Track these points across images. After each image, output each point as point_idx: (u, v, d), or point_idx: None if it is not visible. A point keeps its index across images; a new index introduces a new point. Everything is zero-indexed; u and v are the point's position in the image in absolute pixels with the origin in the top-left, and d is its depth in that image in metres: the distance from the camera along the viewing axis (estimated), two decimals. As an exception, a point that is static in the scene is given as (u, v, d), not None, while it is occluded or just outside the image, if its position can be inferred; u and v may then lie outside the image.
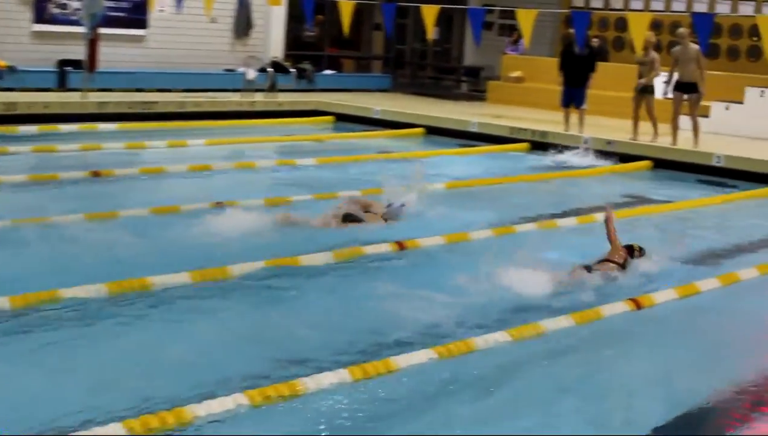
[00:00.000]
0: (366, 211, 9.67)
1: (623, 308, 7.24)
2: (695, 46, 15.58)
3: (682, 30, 15.74)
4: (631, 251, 8.26)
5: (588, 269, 7.98)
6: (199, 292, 7.16)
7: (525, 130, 17.14)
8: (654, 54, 16.36)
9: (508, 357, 6.22)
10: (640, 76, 16.36)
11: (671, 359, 6.62)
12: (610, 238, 8.34)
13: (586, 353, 6.61)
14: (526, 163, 15.44)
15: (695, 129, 15.86)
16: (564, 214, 11.06)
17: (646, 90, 16.35)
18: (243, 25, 21.60)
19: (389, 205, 9.79)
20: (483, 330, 6.51)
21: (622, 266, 8.09)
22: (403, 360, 5.80)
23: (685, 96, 15.88)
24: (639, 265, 8.29)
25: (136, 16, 19.92)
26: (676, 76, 16.06)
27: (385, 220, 9.66)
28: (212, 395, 5.17)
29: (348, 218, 9.42)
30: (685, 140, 15.85)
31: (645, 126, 16.50)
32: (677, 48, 15.86)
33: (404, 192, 10.06)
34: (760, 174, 14.61)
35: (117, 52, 19.37)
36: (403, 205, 9.80)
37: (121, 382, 5.50)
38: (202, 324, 6.60)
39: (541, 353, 6.41)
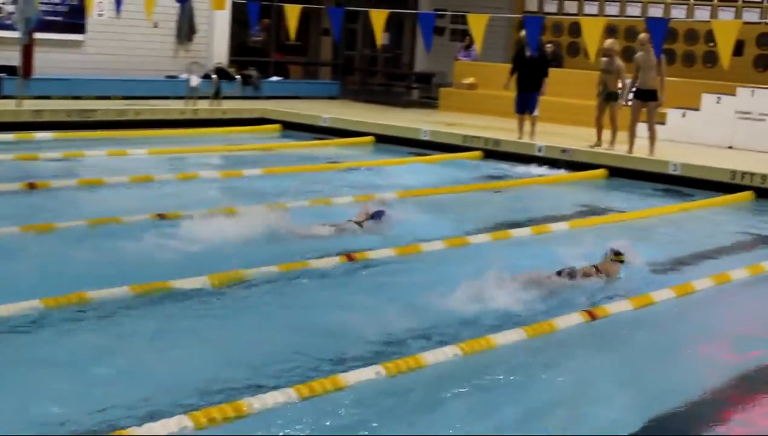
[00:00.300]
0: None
1: (578, 320, 7.31)
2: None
3: (644, 36, 15.91)
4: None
5: (572, 275, 8.30)
6: (139, 306, 7.13)
7: (478, 138, 17.26)
8: (620, 62, 16.56)
9: (459, 371, 6.26)
10: (604, 84, 16.54)
11: (625, 370, 6.71)
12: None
13: (539, 365, 6.68)
14: (479, 172, 15.54)
15: (652, 137, 16.06)
16: (517, 224, 11.14)
17: (611, 97, 16.53)
18: (186, 30, 21.54)
19: (373, 215, 10.02)
20: (435, 345, 6.56)
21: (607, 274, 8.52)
22: (352, 377, 5.81)
23: (645, 104, 16.01)
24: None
25: (73, 20, 19.78)
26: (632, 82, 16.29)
27: (360, 224, 9.92)
28: (149, 419, 5.16)
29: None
30: (641, 148, 16.05)
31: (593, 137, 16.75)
32: (640, 54, 15.99)
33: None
34: (717, 182, 14.82)
35: (53, 57, 19.22)
36: (382, 213, 10.05)
37: (45, 398, 5.47)
38: (143, 340, 6.58)
39: (494, 366, 6.46)
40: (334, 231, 9.79)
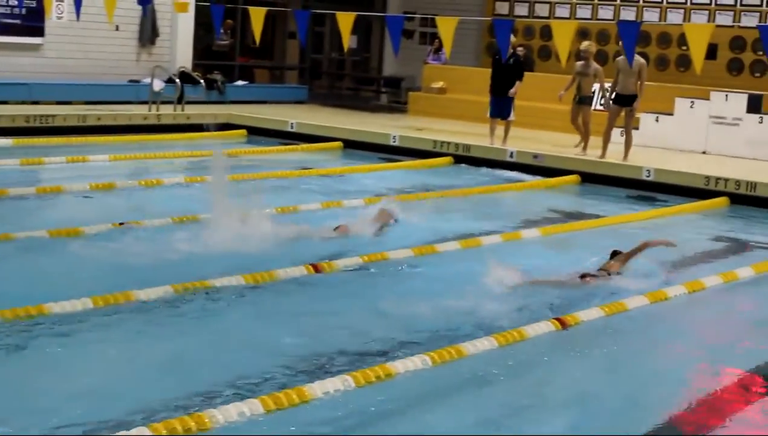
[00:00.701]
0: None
1: (548, 328, 7.36)
2: (640, 59, 15.89)
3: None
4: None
5: (585, 276, 8.88)
6: (102, 317, 7.11)
7: (448, 143, 17.33)
8: (596, 65, 16.68)
9: (428, 381, 6.30)
10: (579, 88, 16.64)
11: (595, 379, 6.77)
12: (631, 254, 9.33)
13: (509, 374, 6.73)
14: (449, 178, 15.60)
15: (628, 142, 16.15)
16: (489, 232, 11.19)
17: (584, 101, 16.65)
18: (148, 33, 21.48)
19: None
20: (404, 354, 6.60)
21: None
22: (318, 387, 5.83)
23: (623, 108, 16.03)
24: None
25: (31, 23, 19.67)
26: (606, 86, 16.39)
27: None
28: (118, 427, 5.16)
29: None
30: (616, 154, 16.16)
31: (576, 138, 16.87)
32: (621, 58, 15.98)
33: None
34: (691, 188, 14.94)
35: (11, 61, 19.13)
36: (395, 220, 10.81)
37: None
38: (103, 352, 6.57)
39: (464, 375, 6.51)
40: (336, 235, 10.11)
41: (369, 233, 10.37)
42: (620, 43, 15.59)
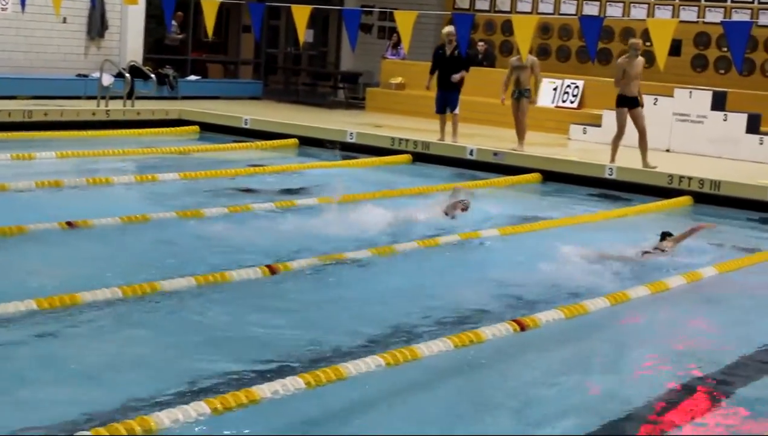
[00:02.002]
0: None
1: (506, 330, 7.43)
2: (642, 60, 15.79)
3: (635, 41, 15.88)
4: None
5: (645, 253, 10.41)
6: (49, 320, 7.09)
7: (407, 140, 17.38)
8: (533, 58, 16.77)
9: (383, 383, 6.36)
10: (518, 82, 16.75)
11: (556, 380, 6.85)
12: (683, 236, 10.78)
13: (466, 376, 6.80)
14: (408, 176, 15.64)
15: (644, 146, 15.80)
16: (447, 232, 11.23)
17: (522, 95, 16.76)
18: (97, 25, 21.36)
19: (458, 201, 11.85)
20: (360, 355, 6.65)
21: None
22: (267, 388, 5.85)
23: (631, 111, 15.78)
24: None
25: (-25, 15, 19.54)
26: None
27: (446, 214, 11.69)
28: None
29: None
30: (577, 151, 16.26)
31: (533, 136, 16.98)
32: (624, 59, 15.79)
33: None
34: (654, 187, 15.07)
35: (-46, 55, 18.99)
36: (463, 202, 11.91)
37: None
38: (42, 357, 6.56)
39: (419, 377, 6.57)
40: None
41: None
42: (630, 42, 15.62)
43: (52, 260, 8.60)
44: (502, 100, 16.98)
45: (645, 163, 15.67)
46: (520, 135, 16.81)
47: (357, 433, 5.72)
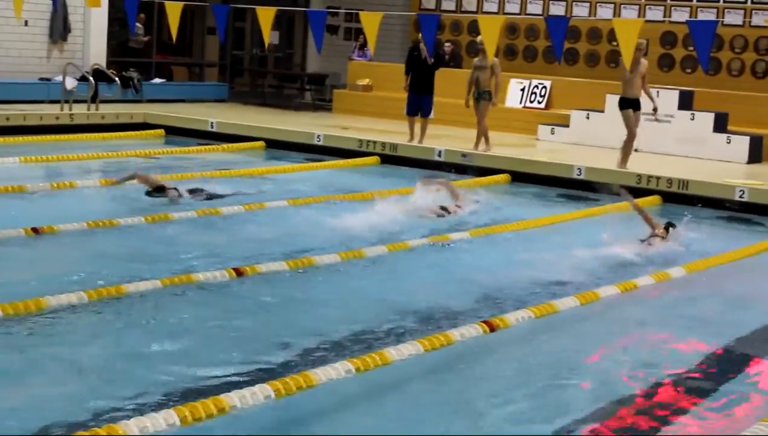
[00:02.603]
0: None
1: (476, 332, 7.45)
2: (646, 61, 15.77)
3: (641, 41, 15.91)
4: (668, 226, 11.34)
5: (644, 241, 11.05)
6: (13, 328, 7.07)
7: (374, 142, 17.40)
8: (494, 59, 16.84)
9: (356, 389, 6.37)
10: (477, 83, 16.82)
11: (525, 382, 6.90)
12: (646, 218, 11.51)
13: (436, 380, 6.83)
14: (376, 178, 15.66)
15: (629, 147, 15.94)
16: (417, 234, 11.26)
17: (482, 96, 16.83)
18: (59, 28, 21.25)
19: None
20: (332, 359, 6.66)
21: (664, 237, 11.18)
22: (236, 396, 5.85)
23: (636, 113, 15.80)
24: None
25: (-65, 18, 19.38)
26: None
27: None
28: None
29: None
30: (545, 152, 16.33)
31: (501, 137, 17.02)
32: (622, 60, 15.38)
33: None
34: (622, 187, 15.10)
35: None
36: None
37: None
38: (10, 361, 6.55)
39: (388, 383, 6.60)
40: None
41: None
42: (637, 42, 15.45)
43: (18, 267, 8.57)
44: (466, 101, 17.05)
45: (622, 165, 15.78)
46: (480, 137, 16.88)
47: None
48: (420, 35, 16.78)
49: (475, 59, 17.11)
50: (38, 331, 7.11)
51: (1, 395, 6.00)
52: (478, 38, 16.93)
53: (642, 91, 15.84)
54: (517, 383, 6.84)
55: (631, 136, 16.00)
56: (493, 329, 7.55)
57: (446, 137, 17.75)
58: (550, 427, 6.05)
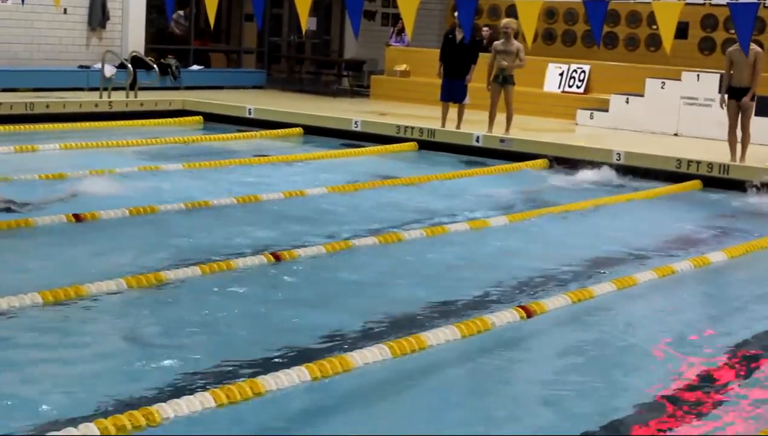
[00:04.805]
0: None
1: (512, 317, 7.46)
2: (756, 48, 15.12)
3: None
4: None
5: None
6: (52, 313, 7.16)
7: (412, 128, 17.41)
8: (518, 43, 16.77)
9: (390, 373, 6.39)
10: (501, 67, 16.76)
11: (563, 369, 6.89)
12: None
13: (472, 364, 6.84)
14: (415, 164, 15.68)
15: (745, 142, 15.38)
16: (456, 219, 11.27)
17: (507, 81, 16.77)
18: (98, 16, 21.42)
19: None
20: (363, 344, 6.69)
21: None
22: (272, 379, 5.89)
23: (739, 103, 15.28)
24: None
25: (-25, 7, 19.58)
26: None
27: None
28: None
29: None
30: (584, 137, 16.25)
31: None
32: (735, 48, 15.09)
33: None
34: (662, 171, 15.07)
35: (-45, 48, 19.05)
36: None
37: None
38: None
39: (425, 366, 6.61)
40: None
41: None
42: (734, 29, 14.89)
43: (62, 257, 8.65)
44: (487, 84, 17.04)
45: (741, 159, 15.27)
46: (509, 121, 16.91)
47: (359, 425, 5.74)
48: (457, 19, 16.75)
49: (498, 43, 17.00)
50: (75, 316, 7.18)
51: (49, 378, 6.06)
52: (503, 21, 16.91)
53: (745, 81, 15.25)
54: (559, 369, 6.84)
55: (731, 127, 15.45)
56: (530, 315, 7.55)
57: (482, 123, 17.70)
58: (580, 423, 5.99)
